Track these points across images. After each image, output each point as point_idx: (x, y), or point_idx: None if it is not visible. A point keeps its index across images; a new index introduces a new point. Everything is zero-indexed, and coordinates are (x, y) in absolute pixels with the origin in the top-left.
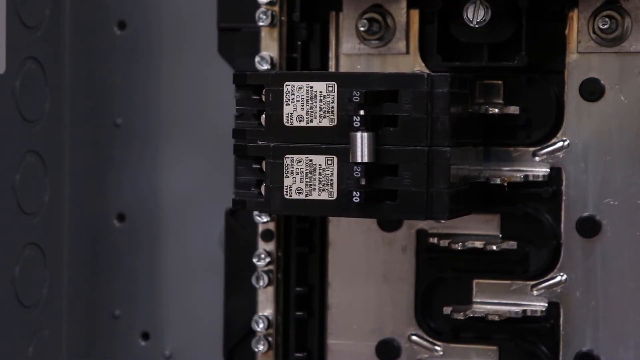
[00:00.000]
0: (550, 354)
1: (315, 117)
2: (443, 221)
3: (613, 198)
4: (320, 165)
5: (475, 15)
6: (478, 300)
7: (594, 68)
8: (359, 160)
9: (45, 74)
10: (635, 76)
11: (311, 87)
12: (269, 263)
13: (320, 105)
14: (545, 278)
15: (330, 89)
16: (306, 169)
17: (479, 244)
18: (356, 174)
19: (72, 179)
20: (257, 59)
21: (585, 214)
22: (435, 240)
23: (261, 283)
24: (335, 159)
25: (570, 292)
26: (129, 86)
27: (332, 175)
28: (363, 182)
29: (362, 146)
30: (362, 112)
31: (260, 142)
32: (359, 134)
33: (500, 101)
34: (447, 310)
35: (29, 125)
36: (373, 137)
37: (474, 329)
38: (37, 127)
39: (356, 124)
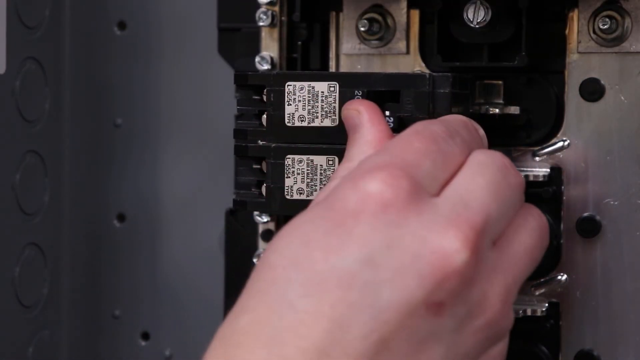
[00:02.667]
0: (550, 354)
1: (317, 117)
2: None
3: (613, 198)
4: (321, 165)
5: (476, 15)
6: None
7: (594, 68)
8: None
9: (45, 74)
10: (635, 76)
11: (313, 87)
12: None
13: (322, 105)
14: (545, 278)
15: (332, 89)
16: (307, 170)
17: None
18: None
19: (72, 179)
20: (257, 59)
21: (585, 214)
22: None
23: None
24: (337, 159)
25: (570, 292)
26: (129, 86)
27: None
28: None
29: None
30: None
31: (260, 143)
32: None
33: (501, 101)
34: None
35: (29, 125)
36: None
37: None
38: (37, 127)
39: None
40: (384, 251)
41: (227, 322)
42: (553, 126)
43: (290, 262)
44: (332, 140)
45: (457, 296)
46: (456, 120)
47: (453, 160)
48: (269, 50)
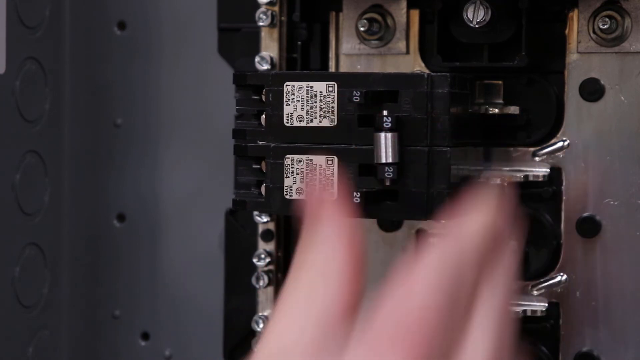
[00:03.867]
0: (550, 354)
1: (316, 117)
2: (443, 221)
3: (613, 198)
4: (320, 165)
5: (476, 15)
6: None
7: (594, 68)
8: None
9: (45, 74)
10: (635, 76)
11: (311, 87)
12: (269, 263)
13: (321, 105)
14: (545, 278)
15: (330, 89)
16: (306, 169)
17: None
18: None
19: (72, 179)
20: (257, 59)
21: (585, 214)
22: (435, 240)
23: (261, 283)
24: (336, 159)
25: (570, 292)
26: (129, 86)
27: (332, 176)
28: None
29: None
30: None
31: (260, 143)
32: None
33: (501, 101)
34: None
35: (29, 125)
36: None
37: None
38: (37, 127)
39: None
40: None
41: None
42: (553, 126)
43: None
44: (331, 141)
45: None
46: (468, 247)
47: (460, 326)
48: (268, 50)
